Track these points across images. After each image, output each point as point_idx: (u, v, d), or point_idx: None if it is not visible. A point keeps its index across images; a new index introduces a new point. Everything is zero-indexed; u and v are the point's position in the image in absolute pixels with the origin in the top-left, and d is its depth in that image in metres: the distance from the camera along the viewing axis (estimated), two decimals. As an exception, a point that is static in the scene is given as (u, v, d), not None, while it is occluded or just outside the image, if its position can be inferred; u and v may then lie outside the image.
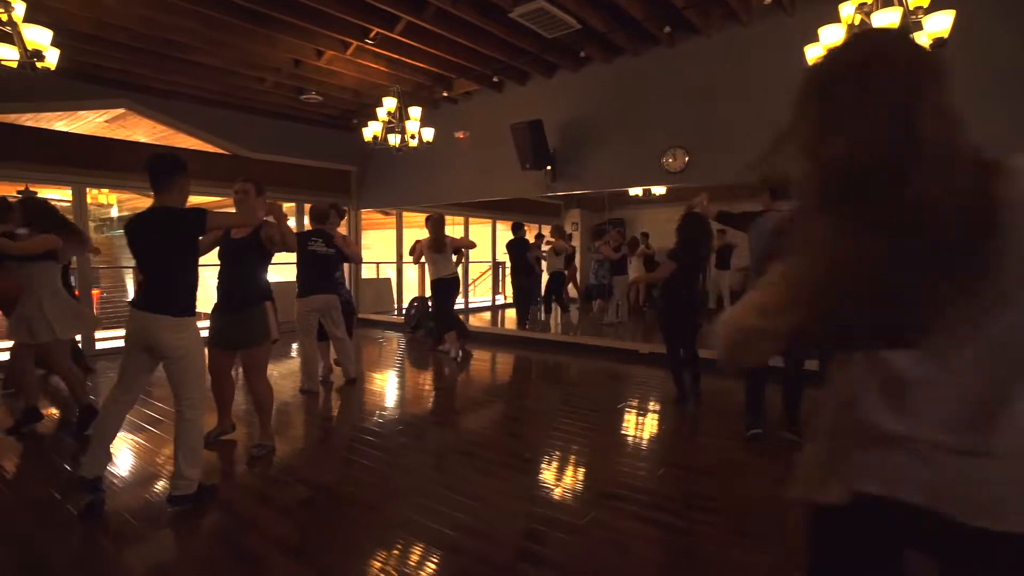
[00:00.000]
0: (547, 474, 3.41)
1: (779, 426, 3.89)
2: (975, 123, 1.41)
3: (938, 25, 3.57)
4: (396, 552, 2.51)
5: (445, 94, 7.70)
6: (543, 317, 9.16)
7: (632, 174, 6.76)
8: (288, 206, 9.97)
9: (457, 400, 5.26)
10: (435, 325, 6.76)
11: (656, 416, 4.56)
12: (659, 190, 10.54)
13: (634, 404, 4.93)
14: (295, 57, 6.47)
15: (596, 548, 2.53)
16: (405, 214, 10.55)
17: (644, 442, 4.00)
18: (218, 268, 3.61)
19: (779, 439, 3.77)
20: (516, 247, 8.31)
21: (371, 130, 6.40)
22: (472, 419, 4.65)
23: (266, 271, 3.69)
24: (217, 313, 3.58)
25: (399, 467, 3.47)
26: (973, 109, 1.19)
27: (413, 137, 6.40)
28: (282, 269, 8.46)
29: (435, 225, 6.25)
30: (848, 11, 3.84)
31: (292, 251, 3.73)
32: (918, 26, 3.66)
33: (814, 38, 4.11)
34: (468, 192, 8.34)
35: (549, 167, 7.13)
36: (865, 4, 3.66)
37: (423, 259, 6.57)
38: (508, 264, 9.19)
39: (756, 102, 5.75)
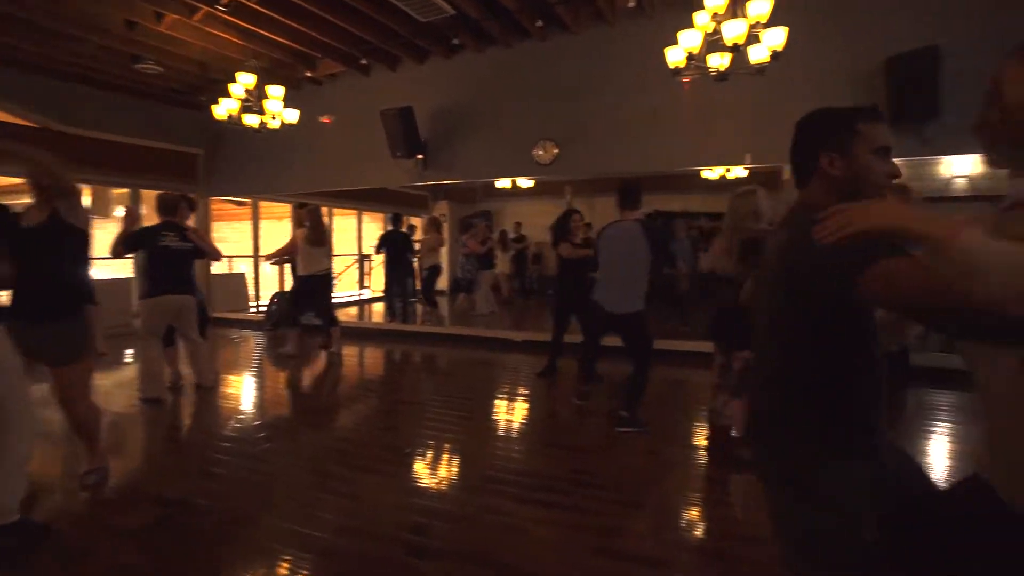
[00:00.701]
0: (427, 465, 3.32)
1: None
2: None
3: (774, 39, 4.02)
4: (268, 565, 2.27)
5: (309, 74, 7.21)
6: (425, 311, 8.95)
7: (504, 165, 6.84)
8: (119, 192, 8.76)
9: (326, 398, 4.96)
10: (322, 322, 6.30)
11: (532, 400, 4.65)
12: (526, 183, 10.85)
13: (508, 390, 4.99)
14: (128, 18, 5.64)
15: (487, 533, 2.49)
16: (262, 204, 9.74)
17: (523, 426, 4.06)
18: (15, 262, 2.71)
19: (650, 415, 3.98)
20: (395, 240, 8.03)
21: (225, 108, 5.78)
22: (344, 416, 4.41)
23: (88, 265, 2.99)
24: (18, 322, 2.62)
25: (266, 473, 3.17)
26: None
27: (274, 118, 5.90)
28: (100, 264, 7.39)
29: (315, 216, 5.91)
30: (703, 19, 4.18)
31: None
32: (756, 39, 4.09)
33: (672, 41, 4.42)
34: (334, 180, 7.89)
35: (420, 156, 6.98)
36: (717, 14, 4.01)
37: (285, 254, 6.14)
38: (375, 256, 8.85)
39: (619, 99, 6.09)
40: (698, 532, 2.59)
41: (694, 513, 2.76)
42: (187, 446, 3.74)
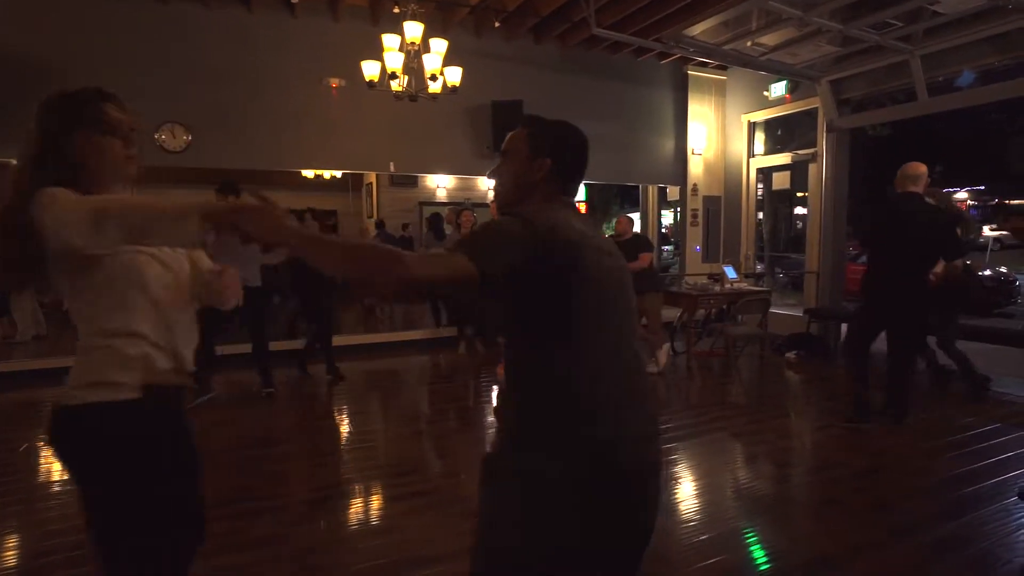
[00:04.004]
0: None
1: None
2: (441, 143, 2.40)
3: (452, 76, 4.89)
4: None
5: None
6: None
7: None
8: None
9: None
10: None
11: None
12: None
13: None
14: None
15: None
16: None
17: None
18: None
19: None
20: None
21: None
22: None
23: None
24: None
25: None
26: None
27: None
28: None
29: None
30: (391, 42, 4.65)
31: None
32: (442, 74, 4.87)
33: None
34: None
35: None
36: (413, 44, 4.57)
37: None
38: None
39: (258, 90, 5.75)
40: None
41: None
42: None
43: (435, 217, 7.33)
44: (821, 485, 3.17)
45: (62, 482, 3.13)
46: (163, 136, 5.52)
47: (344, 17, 5.88)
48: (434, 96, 5.04)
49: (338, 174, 10.03)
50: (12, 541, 2.55)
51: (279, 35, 5.79)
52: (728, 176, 7.91)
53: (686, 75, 7.67)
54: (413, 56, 4.66)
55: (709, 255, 7.75)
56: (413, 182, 10.82)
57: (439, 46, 4.69)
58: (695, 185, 7.79)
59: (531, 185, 1.23)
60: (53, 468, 3.35)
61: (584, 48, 7.02)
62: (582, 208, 15.32)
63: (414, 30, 4.47)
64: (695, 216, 7.81)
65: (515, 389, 1.15)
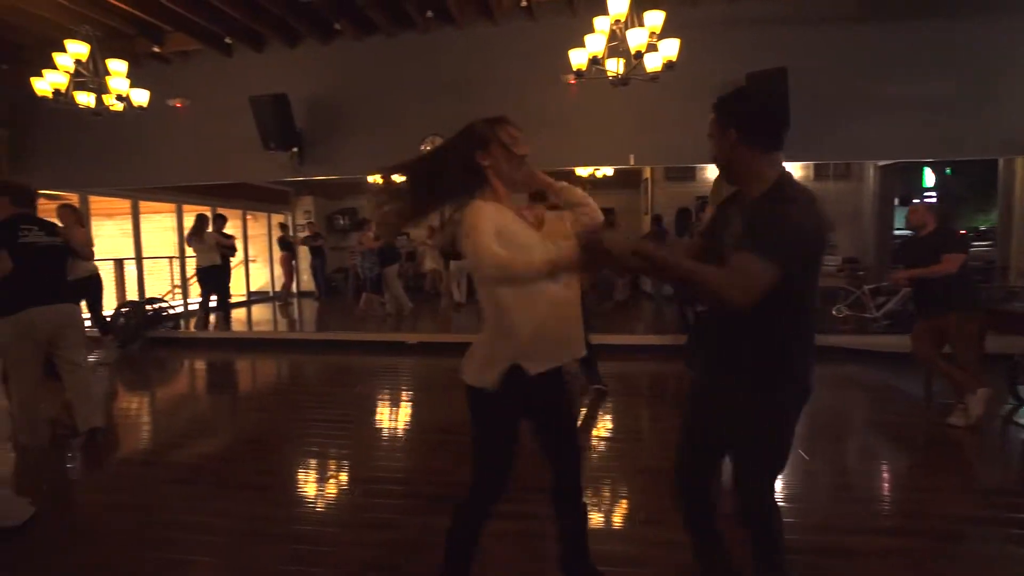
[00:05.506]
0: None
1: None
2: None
3: (669, 50, 4.29)
4: None
5: (157, 49, 6.22)
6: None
7: (391, 160, 6.52)
8: None
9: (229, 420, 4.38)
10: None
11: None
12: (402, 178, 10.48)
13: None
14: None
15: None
16: (92, 199, 8.20)
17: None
18: None
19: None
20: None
21: (50, 81, 4.76)
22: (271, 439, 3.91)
23: None
24: None
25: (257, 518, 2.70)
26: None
27: (121, 98, 4.99)
28: None
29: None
30: (603, 24, 4.32)
31: None
32: (653, 48, 4.33)
33: (555, 44, 4.82)
34: (194, 173, 6.94)
35: (296, 148, 6.41)
36: (619, 21, 4.18)
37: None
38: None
39: (504, 97, 6.06)
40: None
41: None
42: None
43: (682, 212, 6.66)
44: None
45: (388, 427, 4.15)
46: (428, 147, 6.35)
47: (580, 11, 5.77)
48: (654, 76, 4.49)
49: (609, 171, 9.97)
50: (347, 466, 3.37)
51: (520, 40, 6.04)
52: None
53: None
54: (622, 37, 4.24)
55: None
56: (690, 175, 10.06)
57: (653, 19, 4.16)
58: (1092, 151, 5.15)
59: (731, 160, 1.54)
60: (379, 416, 4.39)
61: (890, -17, 5.35)
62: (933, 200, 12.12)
63: (619, 6, 4.06)
64: (1088, 198, 5.17)
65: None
